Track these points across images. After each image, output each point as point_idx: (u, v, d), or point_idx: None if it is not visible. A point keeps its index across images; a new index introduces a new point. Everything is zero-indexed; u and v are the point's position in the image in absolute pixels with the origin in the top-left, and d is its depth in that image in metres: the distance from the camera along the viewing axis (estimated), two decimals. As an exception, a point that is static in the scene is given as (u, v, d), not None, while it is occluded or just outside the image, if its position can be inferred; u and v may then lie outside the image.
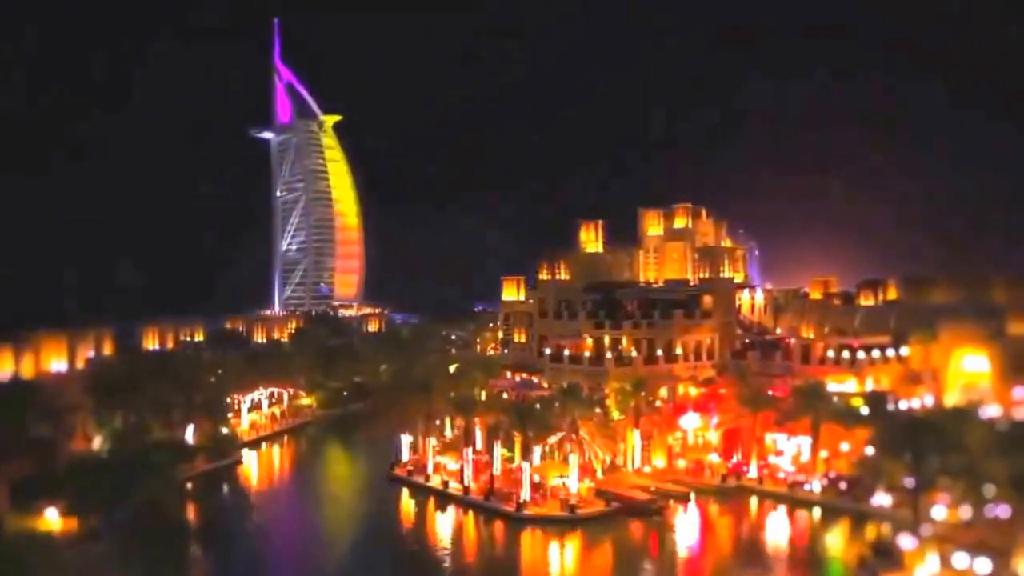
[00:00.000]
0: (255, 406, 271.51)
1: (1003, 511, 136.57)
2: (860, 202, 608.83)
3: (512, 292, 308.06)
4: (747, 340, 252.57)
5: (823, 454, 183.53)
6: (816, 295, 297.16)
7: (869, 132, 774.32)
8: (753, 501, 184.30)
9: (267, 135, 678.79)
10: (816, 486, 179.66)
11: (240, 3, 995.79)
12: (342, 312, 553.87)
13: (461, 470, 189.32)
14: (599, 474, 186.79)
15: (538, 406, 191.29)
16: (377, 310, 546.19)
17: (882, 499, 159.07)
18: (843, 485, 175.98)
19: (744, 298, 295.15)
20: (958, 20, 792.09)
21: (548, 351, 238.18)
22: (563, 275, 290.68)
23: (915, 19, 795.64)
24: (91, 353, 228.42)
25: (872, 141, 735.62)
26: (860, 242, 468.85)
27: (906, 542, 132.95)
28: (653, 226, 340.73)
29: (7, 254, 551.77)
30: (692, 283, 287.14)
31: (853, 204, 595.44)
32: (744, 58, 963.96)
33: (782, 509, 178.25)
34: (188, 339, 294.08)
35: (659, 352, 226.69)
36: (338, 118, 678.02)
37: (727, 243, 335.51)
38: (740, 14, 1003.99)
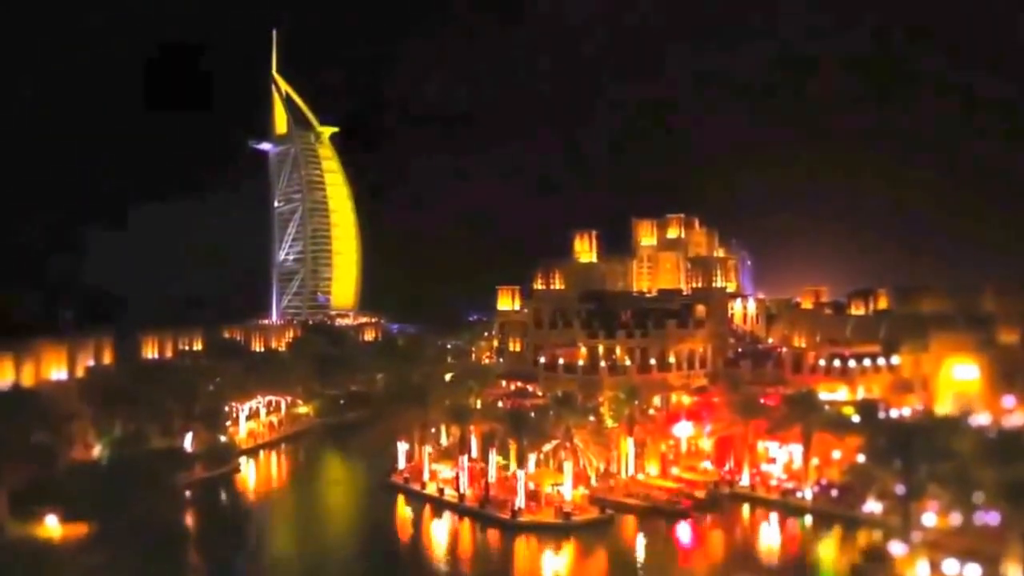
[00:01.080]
0: (253, 414, 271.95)
1: (993, 518, 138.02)
2: (851, 211, 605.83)
3: (507, 302, 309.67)
4: (739, 349, 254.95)
5: (815, 462, 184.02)
6: (807, 304, 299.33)
7: (859, 140, 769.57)
8: (745, 508, 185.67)
9: (265, 146, 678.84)
10: (808, 493, 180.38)
11: (238, 15, 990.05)
12: (339, 321, 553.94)
13: (457, 477, 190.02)
14: (593, 481, 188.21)
15: (533, 414, 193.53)
16: (373, 319, 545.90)
17: (873, 506, 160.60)
18: (834, 492, 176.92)
19: (736, 307, 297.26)
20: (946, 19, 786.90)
21: (543, 360, 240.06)
22: (557, 285, 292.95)
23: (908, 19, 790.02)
24: (91, 362, 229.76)
25: (863, 149, 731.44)
26: (851, 252, 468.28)
27: (897, 549, 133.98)
28: (646, 236, 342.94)
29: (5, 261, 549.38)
30: (685, 293, 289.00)
31: (844, 213, 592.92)
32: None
33: (774, 516, 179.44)
34: (187, 348, 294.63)
35: (652, 361, 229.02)
36: (335, 129, 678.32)
37: (720, 253, 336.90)
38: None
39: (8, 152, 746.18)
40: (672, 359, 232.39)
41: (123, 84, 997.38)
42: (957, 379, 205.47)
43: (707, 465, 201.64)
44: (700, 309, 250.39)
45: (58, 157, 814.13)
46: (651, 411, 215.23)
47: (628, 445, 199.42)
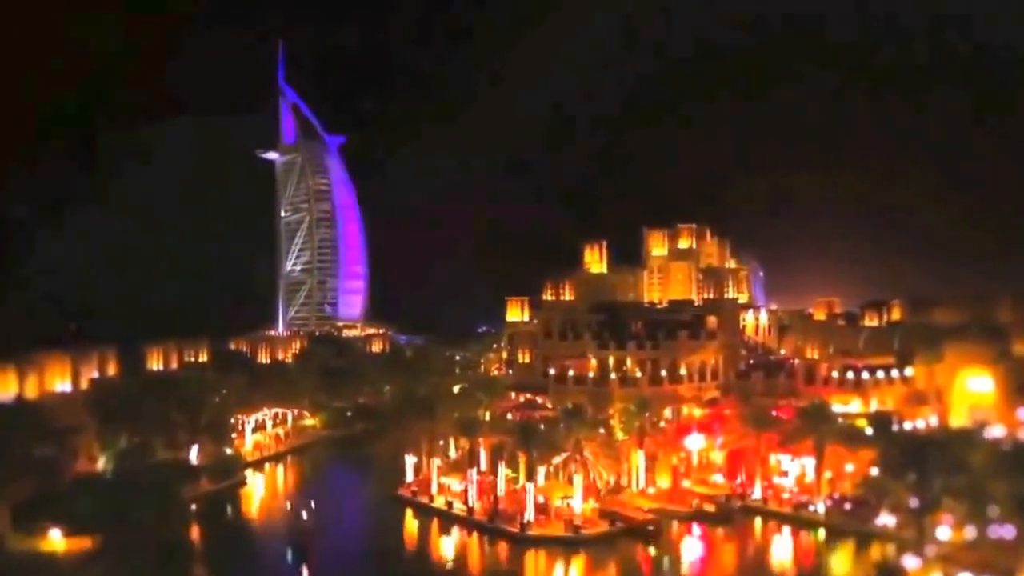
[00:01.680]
0: (259, 427, 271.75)
1: (1007, 531, 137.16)
2: (865, 222, 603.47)
3: (516, 313, 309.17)
4: (751, 361, 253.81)
5: (827, 475, 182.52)
6: (820, 315, 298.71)
7: (874, 148, 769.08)
8: (757, 522, 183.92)
9: (272, 156, 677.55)
10: (820, 507, 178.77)
11: (245, 24, 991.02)
12: (346, 333, 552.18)
13: (465, 491, 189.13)
14: (603, 494, 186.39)
15: (542, 427, 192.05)
16: (381, 331, 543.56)
17: (887, 520, 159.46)
18: (848, 506, 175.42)
19: (748, 319, 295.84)
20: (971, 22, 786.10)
21: (552, 372, 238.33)
22: (567, 296, 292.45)
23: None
24: (95, 374, 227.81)
25: (877, 158, 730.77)
26: (864, 263, 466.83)
27: (911, 563, 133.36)
28: (658, 246, 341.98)
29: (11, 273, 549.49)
30: (696, 303, 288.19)
31: (857, 224, 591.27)
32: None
33: (786, 530, 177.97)
34: (192, 360, 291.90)
35: (664, 373, 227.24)
36: (342, 139, 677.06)
37: (732, 263, 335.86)
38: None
39: (12, 160, 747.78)
40: (683, 371, 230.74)
41: (128, 92, 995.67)
42: (972, 391, 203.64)
43: (718, 478, 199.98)
44: (712, 320, 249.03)
45: (60, 163, 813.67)
46: (662, 423, 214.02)
47: (639, 458, 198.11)
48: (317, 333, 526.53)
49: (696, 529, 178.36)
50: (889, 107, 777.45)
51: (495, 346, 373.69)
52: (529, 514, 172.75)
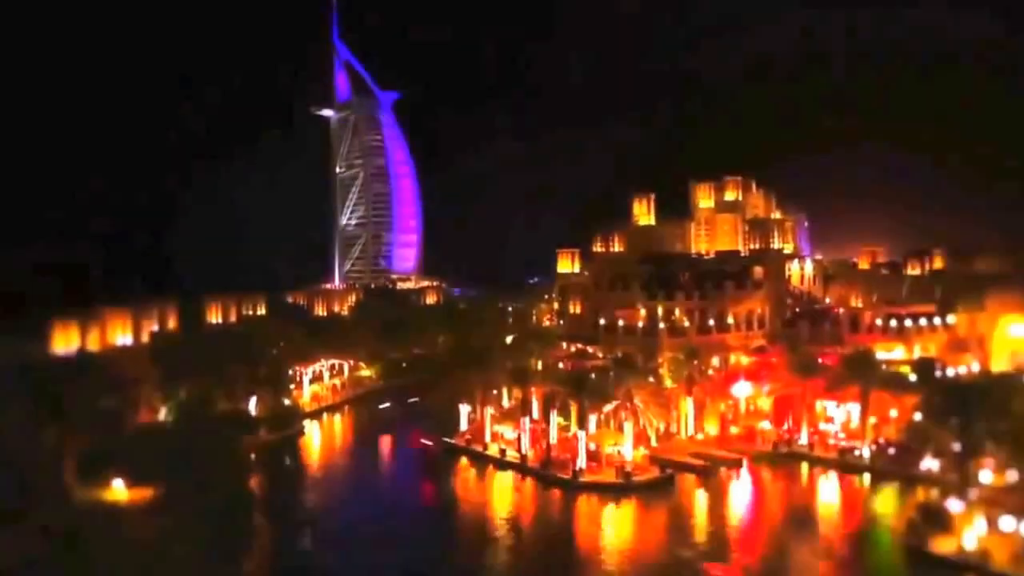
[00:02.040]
0: (316, 378, 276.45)
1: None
2: (908, 170, 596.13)
3: (567, 265, 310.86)
4: (797, 310, 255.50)
5: (872, 421, 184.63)
6: (864, 265, 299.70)
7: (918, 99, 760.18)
8: (804, 467, 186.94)
9: (327, 112, 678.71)
10: (865, 452, 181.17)
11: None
12: (400, 285, 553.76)
13: (518, 439, 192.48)
14: (653, 441, 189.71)
15: (593, 376, 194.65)
16: (434, 283, 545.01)
17: (930, 464, 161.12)
18: (892, 451, 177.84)
19: (794, 268, 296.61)
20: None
21: (603, 322, 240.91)
22: (617, 247, 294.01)
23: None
24: (155, 327, 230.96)
25: (920, 105, 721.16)
26: (908, 211, 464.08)
27: (954, 506, 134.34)
28: (704, 198, 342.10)
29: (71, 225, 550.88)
30: (743, 254, 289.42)
31: (901, 172, 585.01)
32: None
33: (832, 475, 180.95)
34: (250, 313, 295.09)
35: (711, 322, 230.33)
36: (396, 94, 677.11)
37: (777, 215, 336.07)
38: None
39: (69, 113, 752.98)
40: (731, 320, 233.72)
41: (184, 48, 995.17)
42: (1013, 337, 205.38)
43: (766, 425, 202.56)
44: (758, 270, 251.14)
45: (118, 126, 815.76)
46: (710, 372, 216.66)
47: (688, 405, 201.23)
48: (372, 286, 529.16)
49: (744, 474, 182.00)
50: (931, 58, 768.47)
51: (547, 297, 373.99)
52: (581, 461, 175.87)
